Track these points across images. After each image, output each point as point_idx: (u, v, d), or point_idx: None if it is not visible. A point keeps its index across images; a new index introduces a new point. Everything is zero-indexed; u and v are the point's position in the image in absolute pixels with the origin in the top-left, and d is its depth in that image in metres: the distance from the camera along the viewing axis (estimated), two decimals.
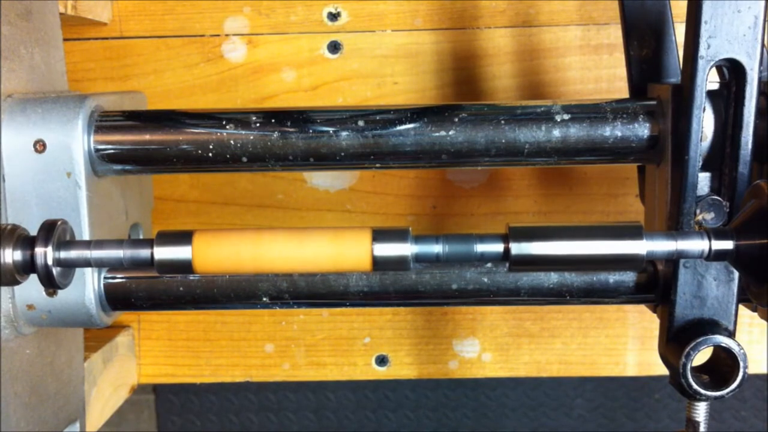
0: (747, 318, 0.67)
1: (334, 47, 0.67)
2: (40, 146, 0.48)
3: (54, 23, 0.54)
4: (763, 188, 0.41)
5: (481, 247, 0.42)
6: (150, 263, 0.42)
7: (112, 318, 0.53)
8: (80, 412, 0.57)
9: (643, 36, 0.53)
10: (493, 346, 0.70)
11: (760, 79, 0.45)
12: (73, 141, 0.49)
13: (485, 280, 0.51)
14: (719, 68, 0.48)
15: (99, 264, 0.42)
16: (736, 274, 0.48)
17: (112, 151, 0.50)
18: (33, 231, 0.41)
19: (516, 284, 0.51)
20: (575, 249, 0.42)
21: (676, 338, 0.48)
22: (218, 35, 0.67)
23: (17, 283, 0.40)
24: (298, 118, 0.50)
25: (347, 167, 0.52)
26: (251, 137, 0.50)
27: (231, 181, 0.68)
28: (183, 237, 0.42)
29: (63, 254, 0.41)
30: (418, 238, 0.42)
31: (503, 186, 0.68)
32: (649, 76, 0.53)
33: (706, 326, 0.48)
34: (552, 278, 0.51)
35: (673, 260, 0.48)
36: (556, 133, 0.49)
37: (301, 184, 0.68)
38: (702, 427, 0.49)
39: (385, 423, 1.19)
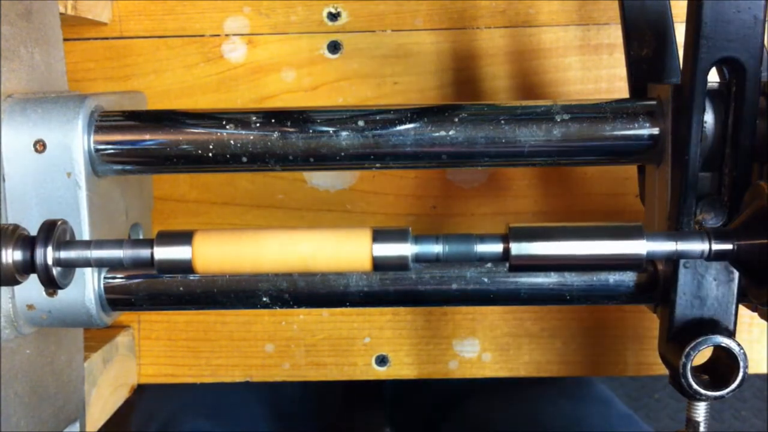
0: (747, 318, 0.67)
1: (334, 47, 0.67)
2: (40, 146, 0.48)
3: (54, 23, 0.54)
4: (763, 188, 0.41)
5: (481, 248, 0.42)
6: (150, 263, 0.42)
7: (112, 318, 0.53)
8: (80, 412, 0.57)
9: (643, 36, 0.53)
10: (493, 346, 0.70)
11: (760, 79, 0.45)
12: (73, 141, 0.49)
13: (485, 280, 0.51)
14: (719, 68, 0.48)
15: (99, 264, 0.42)
16: (736, 274, 0.48)
17: (112, 151, 0.50)
18: (33, 231, 0.41)
19: (516, 284, 0.51)
20: (575, 249, 0.42)
21: (676, 338, 0.48)
22: (218, 35, 0.67)
23: (17, 283, 0.40)
24: (298, 118, 0.50)
25: (347, 167, 0.52)
26: (251, 137, 0.50)
27: (231, 181, 0.68)
28: (183, 237, 0.42)
29: (63, 254, 0.41)
30: (418, 238, 0.42)
31: (503, 186, 0.68)
32: (649, 76, 0.53)
33: (706, 326, 0.48)
34: (552, 278, 0.51)
35: (673, 260, 0.48)
36: (556, 133, 0.49)
37: (301, 184, 0.68)
38: (702, 427, 0.49)
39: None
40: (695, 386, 0.46)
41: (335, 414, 0.95)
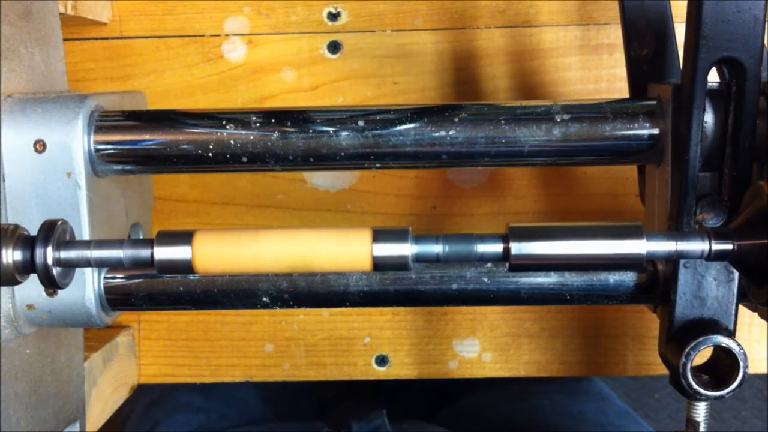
0: (747, 318, 0.67)
1: (334, 47, 0.67)
2: (40, 146, 0.48)
3: (54, 23, 0.54)
4: (764, 188, 0.41)
5: (481, 247, 0.42)
6: (150, 263, 0.42)
7: (112, 318, 0.53)
8: (80, 412, 0.57)
9: (643, 36, 0.53)
10: (493, 346, 0.70)
11: (760, 79, 0.45)
12: (73, 141, 0.49)
13: (485, 280, 0.51)
14: (719, 68, 0.48)
15: (99, 264, 0.42)
16: (736, 274, 0.48)
17: (112, 151, 0.50)
18: (33, 231, 0.41)
19: (516, 284, 0.51)
20: (575, 249, 0.42)
21: (676, 338, 0.48)
22: (218, 35, 0.67)
23: (17, 283, 0.40)
24: (298, 118, 0.50)
25: (347, 167, 0.52)
26: (251, 137, 0.50)
27: (231, 181, 0.68)
28: (183, 237, 0.42)
29: (63, 254, 0.41)
30: (418, 238, 0.42)
31: (503, 186, 0.68)
32: (649, 76, 0.53)
33: (706, 326, 0.48)
34: (552, 278, 0.51)
35: (673, 260, 0.48)
36: (557, 133, 0.49)
37: (301, 184, 0.68)
38: (702, 427, 0.49)
39: None
40: (695, 386, 0.46)
41: (332, 395, 0.95)
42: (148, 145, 0.50)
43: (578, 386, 0.88)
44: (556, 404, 0.84)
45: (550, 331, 0.70)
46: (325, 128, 0.50)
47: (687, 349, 0.46)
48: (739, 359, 0.46)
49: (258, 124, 0.50)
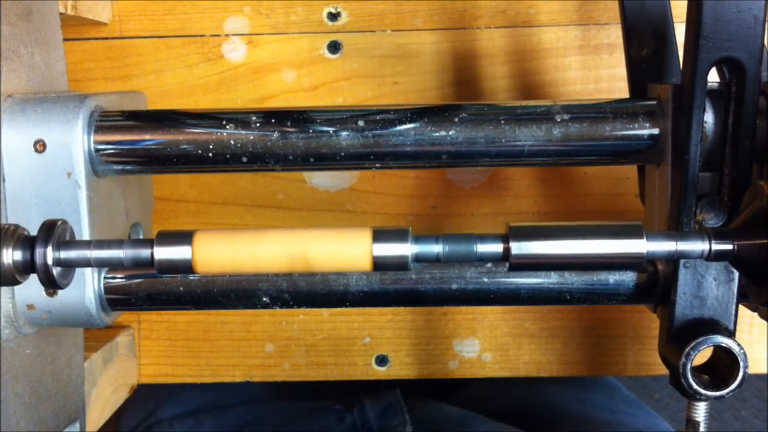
0: (747, 318, 0.67)
1: (334, 47, 0.67)
2: (40, 146, 0.48)
3: (54, 23, 0.54)
4: (764, 188, 0.41)
5: (481, 247, 0.42)
6: (150, 263, 0.42)
7: (112, 318, 0.53)
8: (80, 412, 0.57)
9: (643, 36, 0.53)
10: (493, 346, 0.70)
11: (760, 79, 0.45)
12: (73, 141, 0.49)
13: (485, 280, 0.51)
14: (719, 68, 0.48)
15: (99, 264, 0.42)
16: (736, 274, 0.48)
17: (112, 151, 0.50)
18: (33, 231, 0.41)
19: (516, 284, 0.51)
20: (575, 248, 0.42)
21: (676, 338, 0.48)
22: (218, 35, 0.67)
23: (17, 283, 0.40)
24: (298, 118, 0.50)
25: (347, 167, 0.52)
26: (251, 137, 0.50)
27: (231, 181, 0.68)
28: (183, 237, 0.42)
29: (63, 254, 0.41)
30: (418, 238, 0.42)
31: (503, 186, 0.68)
32: (649, 76, 0.53)
33: (706, 326, 0.48)
34: (552, 278, 0.51)
35: (673, 260, 0.48)
36: (556, 133, 0.49)
37: (301, 184, 0.68)
38: (702, 427, 0.49)
39: None
40: (695, 386, 0.46)
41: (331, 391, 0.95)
42: (148, 145, 0.50)
43: (586, 377, 0.88)
44: (566, 391, 0.84)
45: (550, 331, 0.70)
46: (325, 128, 0.50)
47: (687, 349, 0.46)
48: (739, 359, 0.46)
49: (258, 124, 0.50)
